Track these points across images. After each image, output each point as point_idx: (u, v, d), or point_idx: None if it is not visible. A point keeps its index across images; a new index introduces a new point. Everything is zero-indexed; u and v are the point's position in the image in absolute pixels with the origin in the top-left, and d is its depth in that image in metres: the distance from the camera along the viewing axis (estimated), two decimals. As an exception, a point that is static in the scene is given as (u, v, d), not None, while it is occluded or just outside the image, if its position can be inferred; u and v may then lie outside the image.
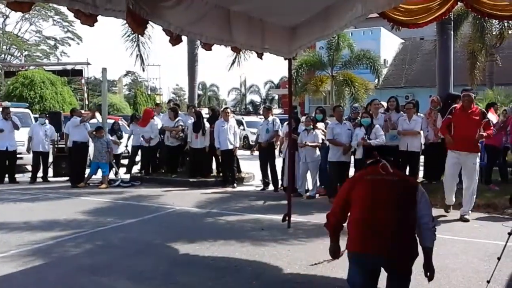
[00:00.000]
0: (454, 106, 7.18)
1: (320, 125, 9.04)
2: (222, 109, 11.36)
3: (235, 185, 10.26)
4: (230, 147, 10.18)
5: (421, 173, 9.12)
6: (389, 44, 29.45)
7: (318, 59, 22.22)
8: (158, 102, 32.40)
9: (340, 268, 4.76)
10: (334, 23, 5.24)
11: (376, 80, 25.66)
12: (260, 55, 6.01)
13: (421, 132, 8.58)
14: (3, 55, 44.77)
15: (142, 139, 11.25)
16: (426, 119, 8.76)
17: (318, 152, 8.85)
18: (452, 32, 10.25)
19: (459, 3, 5.17)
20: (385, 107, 9.14)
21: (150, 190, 9.99)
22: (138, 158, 12.02)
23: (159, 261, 5.07)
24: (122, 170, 11.90)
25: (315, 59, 22.18)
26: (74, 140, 10.90)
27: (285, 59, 6.34)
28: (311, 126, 8.85)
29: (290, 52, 6.23)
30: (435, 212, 5.71)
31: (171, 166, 11.39)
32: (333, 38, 19.97)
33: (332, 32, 5.73)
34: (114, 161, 11.10)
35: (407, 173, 8.75)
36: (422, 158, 8.96)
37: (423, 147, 8.74)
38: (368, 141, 7.82)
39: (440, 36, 10.24)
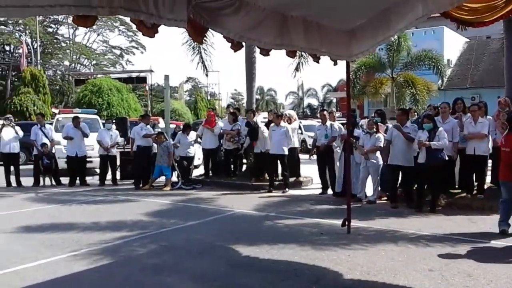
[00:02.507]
0: None
1: (382, 128, 8.89)
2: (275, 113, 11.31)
3: (287, 189, 10.27)
4: (280, 152, 10.24)
5: (488, 178, 8.69)
6: (453, 44, 28.28)
7: (378, 61, 21.76)
8: (214, 107, 32.92)
9: (403, 276, 4.66)
10: (394, 25, 5.13)
11: (440, 81, 24.77)
12: (317, 59, 5.97)
13: (489, 135, 8.20)
14: (73, 65, 47.54)
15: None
16: (494, 121, 8.37)
17: (379, 155, 8.68)
18: (521, 30, 9.69)
19: (527, -1, 4.91)
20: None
21: (210, 193, 10.23)
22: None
23: (220, 263, 5.19)
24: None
25: (374, 61, 21.74)
26: (138, 145, 11.43)
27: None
28: (374, 129, 8.70)
29: (350, 56, 6.13)
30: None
31: (227, 169, 11.73)
32: (393, 38, 19.52)
33: (392, 35, 5.61)
34: (177, 164, 11.45)
35: (474, 178, 8.44)
36: (489, 162, 8.54)
37: (491, 151, 8.33)
38: (428, 143, 7.59)
39: (507, 34, 9.71)
